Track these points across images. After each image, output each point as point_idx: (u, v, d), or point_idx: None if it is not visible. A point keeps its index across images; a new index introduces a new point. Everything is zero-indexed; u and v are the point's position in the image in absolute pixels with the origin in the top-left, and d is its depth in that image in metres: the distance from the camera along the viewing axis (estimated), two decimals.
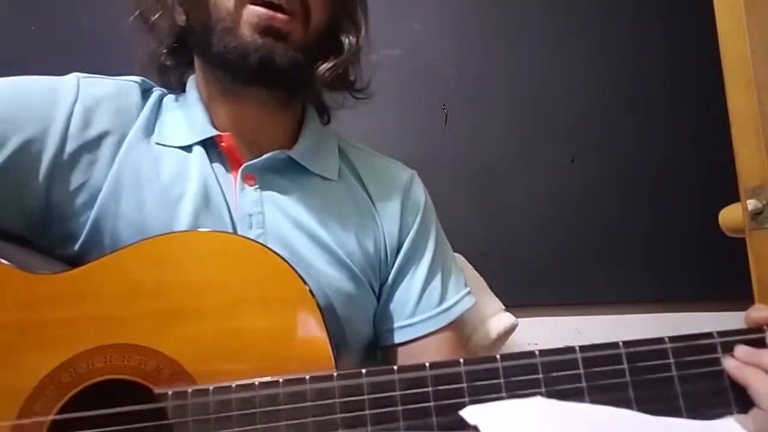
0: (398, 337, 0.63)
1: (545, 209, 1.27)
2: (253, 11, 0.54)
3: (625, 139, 1.27)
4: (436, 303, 0.64)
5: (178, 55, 0.64)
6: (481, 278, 0.89)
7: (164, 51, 0.63)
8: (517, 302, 0.93)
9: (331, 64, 0.61)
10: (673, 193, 1.24)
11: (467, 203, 1.28)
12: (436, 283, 0.65)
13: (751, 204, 0.76)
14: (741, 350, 0.43)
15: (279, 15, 0.55)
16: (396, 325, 0.64)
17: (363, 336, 0.64)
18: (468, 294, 0.68)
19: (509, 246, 1.26)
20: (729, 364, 0.43)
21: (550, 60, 1.30)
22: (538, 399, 0.40)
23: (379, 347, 0.66)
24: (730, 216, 0.83)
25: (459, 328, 0.68)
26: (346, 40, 0.63)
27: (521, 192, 1.28)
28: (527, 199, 1.28)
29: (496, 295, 0.89)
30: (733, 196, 0.80)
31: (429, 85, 1.32)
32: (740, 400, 0.42)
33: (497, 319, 0.84)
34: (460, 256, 0.89)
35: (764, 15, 0.77)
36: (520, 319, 0.86)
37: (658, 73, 1.27)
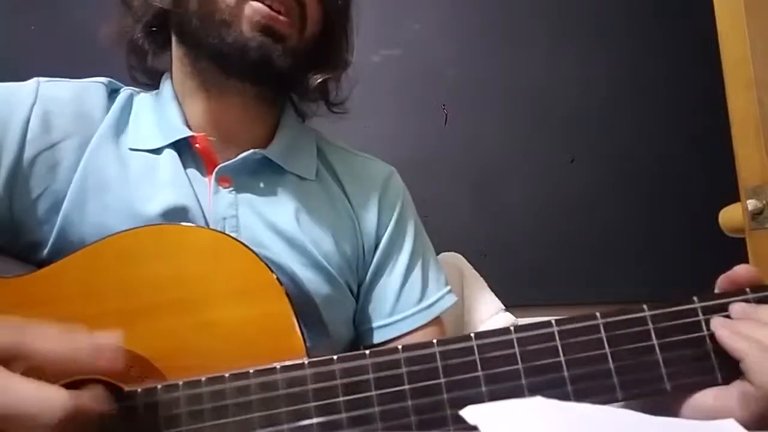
0: (378, 337, 0.62)
1: (545, 209, 1.27)
2: (257, 8, 0.54)
3: (625, 139, 1.27)
4: (416, 300, 0.63)
5: (154, 39, 0.62)
6: (481, 278, 0.89)
7: (139, 33, 0.61)
8: (517, 302, 0.93)
9: (326, 75, 0.61)
10: (672, 193, 1.24)
11: (467, 203, 1.29)
12: (415, 280, 0.64)
13: (751, 204, 0.76)
14: (721, 320, 0.41)
15: (281, 17, 0.55)
16: (375, 324, 0.63)
17: (343, 337, 0.63)
18: (449, 292, 0.66)
19: (509, 246, 1.26)
20: (721, 334, 0.40)
21: (550, 60, 1.30)
22: (539, 399, 0.40)
23: (361, 347, 0.65)
24: (730, 216, 0.83)
25: (442, 324, 0.66)
26: (342, 55, 0.64)
27: (521, 192, 1.28)
28: (527, 199, 1.28)
29: (496, 295, 0.89)
30: (733, 196, 0.80)
31: (429, 85, 1.33)
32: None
33: (497, 319, 0.84)
34: (460, 256, 0.90)
35: (764, 15, 0.77)
36: (520, 319, 0.86)
37: (658, 73, 1.27)
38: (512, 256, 1.26)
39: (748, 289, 0.43)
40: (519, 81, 1.31)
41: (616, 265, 1.25)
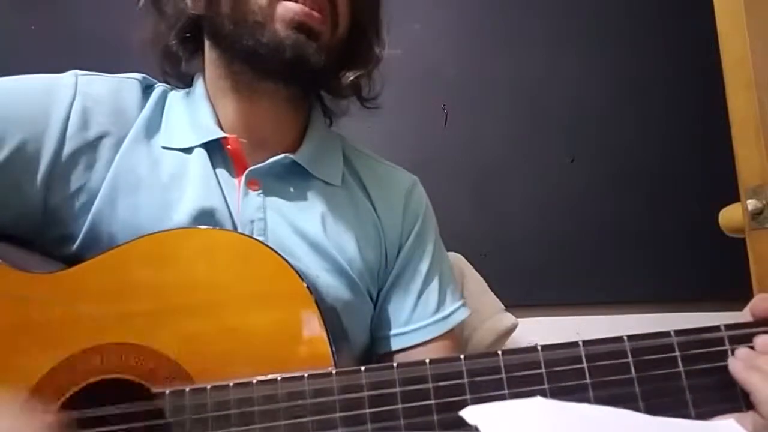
0: (394, 345, 0.63)
1: (545, 209, 1.27)
2: (290, 7, 0.54)
3: (625, 139, 1.27)
4: (433, 311, 0.64)
5: (187, 45, 0.62)
6: (481, 278, 0.89)
7: (173, 40, 0.61)
8: (517, 302, 0.93)
9: (359, 72, 0.62)
10: (672, 193, 1.24)
11: (467, 203, 1.28)
12: (433, 290, 0.64)
13: (751, 204, 0.76)
14: (743, 352, 0.42)
15: (315, 13, 0.55)
16: (392, 332, 0.63)
17: (360, 343, 0.63)
18: (463, 305, 0.67)
19: (509, 246, 1.26)
20: (733, 366, 0.42)
21: (550, 60, 1.30)
22: (539, 399, 0.40)
23: (375, 354, 0.65)
24: (730, 216, 0.83)
25: (456, 336, 0.66)
26: (373, 50, 0.64)
27: (521, 192, 1.28)
28: (527, 199, 1.28)
29: (496, 295, 0.89)
30: (733, 196, 0.80)
31: (429, 85, 1.32)
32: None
33: (497, 319, 0.84)
34: (460, 256, 0.90)
35: (764, 15, 0.77)
36: (520, 319, 0.86)
37: (658, 73, 1.27)
38: (512, 256, 1.26)
39: (722, 326, 0.43)
40: (519, 81, 1.30)
41: (617, 265, 1.24)
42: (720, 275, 1.08)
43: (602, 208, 1.26)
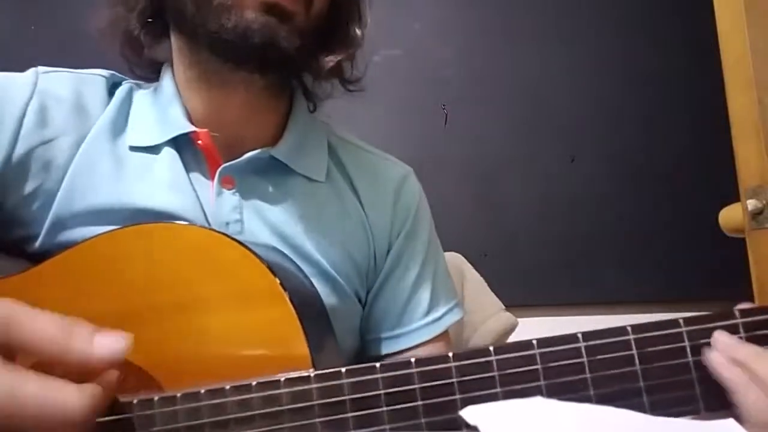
0: (384, 349, 0.60)
1: (545, 209, 1.27)
2: None
3: (625, 139, 1.27)
4: (424, 313, 0.60)
5: (150, 29, 0.57)
6: (481, 278, 0.89)
7: (135, 24, 0.56)
8: (517, 302, 0.93)
9: (338, 56, 0.57)
10: (673, 193, 1.24)
11: (467, 203, 1.29)
12: (425, 291, 0.61)
13: (751, 204, 0.76)
14: (719, 341, 0.39)
15: None
16: (382, 335, 0.60)
17: (349, 346, 0.60)
18: (456, 305, 0.63)
19: (509, 246, 1.26)
20: (714, 359, 0.38)
21: (550, 60, 1.30)
22: (539, 399, 0.40)
23: (365, 358, 0.62)
24: (730, 216, 0.83)
25: (449, 338, 0.63)
26: (353, 32, 0.59)
27: (521, 192, 1.28)
28: (527, 199, 1.28)
29: (496, 295, 0.89)
30: (733, 196, 0.80)
31: (429, 85, 1.33)
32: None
33: (497, 319, 0.84)
34: (460, 256, 0.90)
35: (764, 15, 0.77)
36: (520, 319, 0.86)
37: (658, 73, 1.27)
38: (512, 256, 1.26)
39: (737, 312, 0.41)
40: (519, 81, 1.31)
41: (617, 265, 1.24)
42: (720, 275, 1.07)
43: (602, 208, 1.26)
